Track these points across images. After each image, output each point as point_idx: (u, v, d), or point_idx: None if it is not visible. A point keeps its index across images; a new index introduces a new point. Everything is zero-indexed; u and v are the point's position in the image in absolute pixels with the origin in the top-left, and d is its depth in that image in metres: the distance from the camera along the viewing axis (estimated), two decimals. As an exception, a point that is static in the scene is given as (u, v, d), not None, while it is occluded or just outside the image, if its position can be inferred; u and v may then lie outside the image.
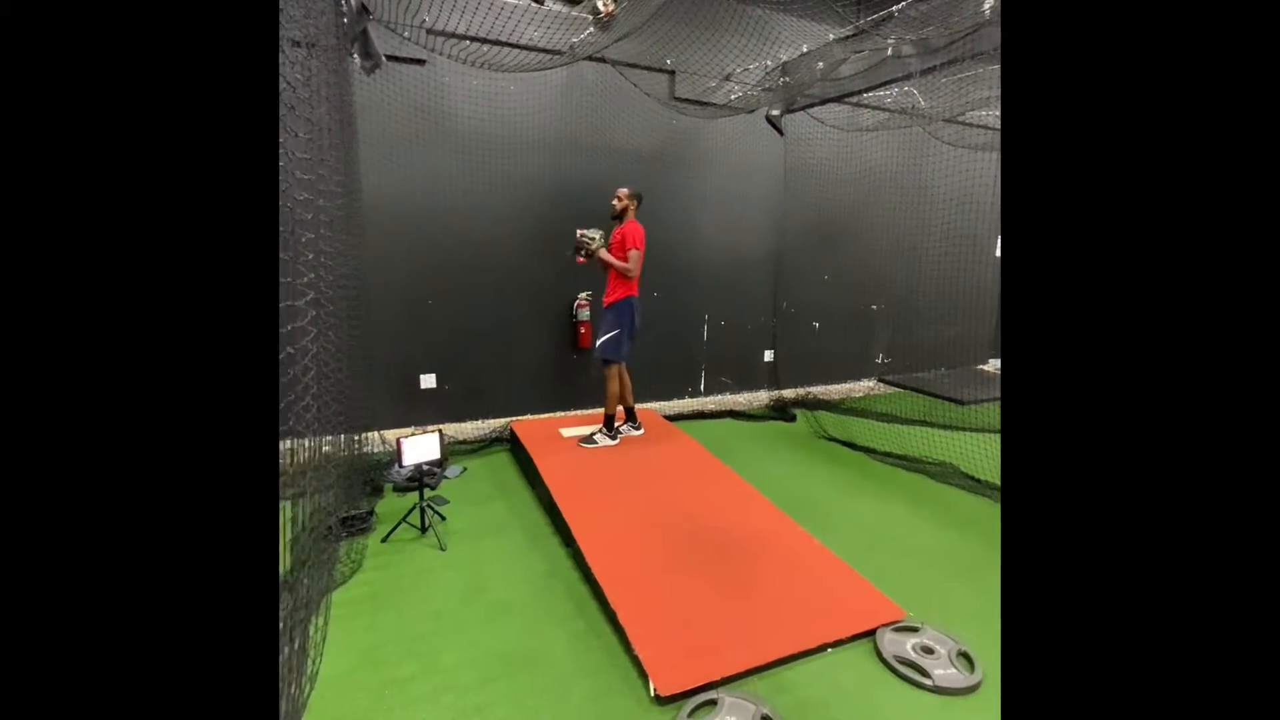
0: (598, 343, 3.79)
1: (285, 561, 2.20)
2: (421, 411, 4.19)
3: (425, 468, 2.89)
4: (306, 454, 2.30)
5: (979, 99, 4.38)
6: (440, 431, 2.92)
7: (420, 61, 3.82)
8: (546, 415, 4.58)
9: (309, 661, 1.96)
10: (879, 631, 2.16)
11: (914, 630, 2.18)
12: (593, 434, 3.88)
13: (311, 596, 2.26)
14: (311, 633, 2.03)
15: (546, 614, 2.32)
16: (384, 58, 3.24)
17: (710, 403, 5.23)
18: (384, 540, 2.82)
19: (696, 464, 3.60)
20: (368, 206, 3.74)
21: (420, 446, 2.81)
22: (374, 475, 3.43)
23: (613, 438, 3.86)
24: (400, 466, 2.80)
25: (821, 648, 2.10)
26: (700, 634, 2.09)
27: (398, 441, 2.75)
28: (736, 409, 5.26)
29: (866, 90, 3.93)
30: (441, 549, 2.77)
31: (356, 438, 3.36)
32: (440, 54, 3.52)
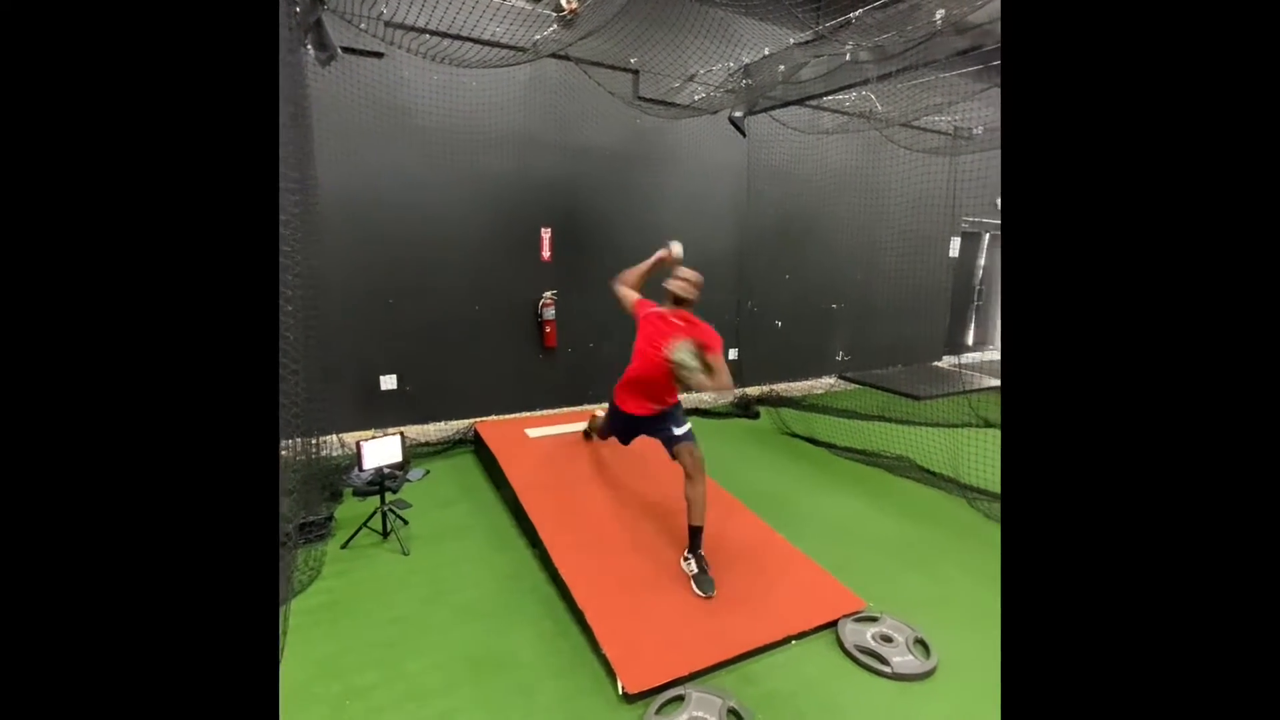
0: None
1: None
2: (382, 413, 4.10)
3: (386, 471, 2.83)
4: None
5: (932, 104, 4.53)
6: (402, 434, 2.87)
7: (378, 55, 3.73)
8: (512, 416, 4.54)
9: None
10: (841, 622, 2.22)
11: (874, 620, 2.25)
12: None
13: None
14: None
15: (513, 616, 2.30)
16: (339, 50, 3.14)
17: (676, 401, 5.27)
18: (344, 546, 2.75)
19: (661, 462, 3.63)
20: (325, 203, 3.63)
21: (381, 450, 2.75)
22: (333, 480, 3.34)
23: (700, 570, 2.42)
24: (360, 470, 2.74)
25: (786, 640, 2.15)
26: (668, 630, 2.11)
27: (357, 445, 2.68)
28: (702, 407, 5.31)
29: (826, 94, 4.02)
30: (404, 553, 2.72)
31: (314, 441, 3.26)
32: (399, 47, 3.44)
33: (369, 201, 3.87)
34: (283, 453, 2.74)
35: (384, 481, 2.90)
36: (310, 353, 3.26)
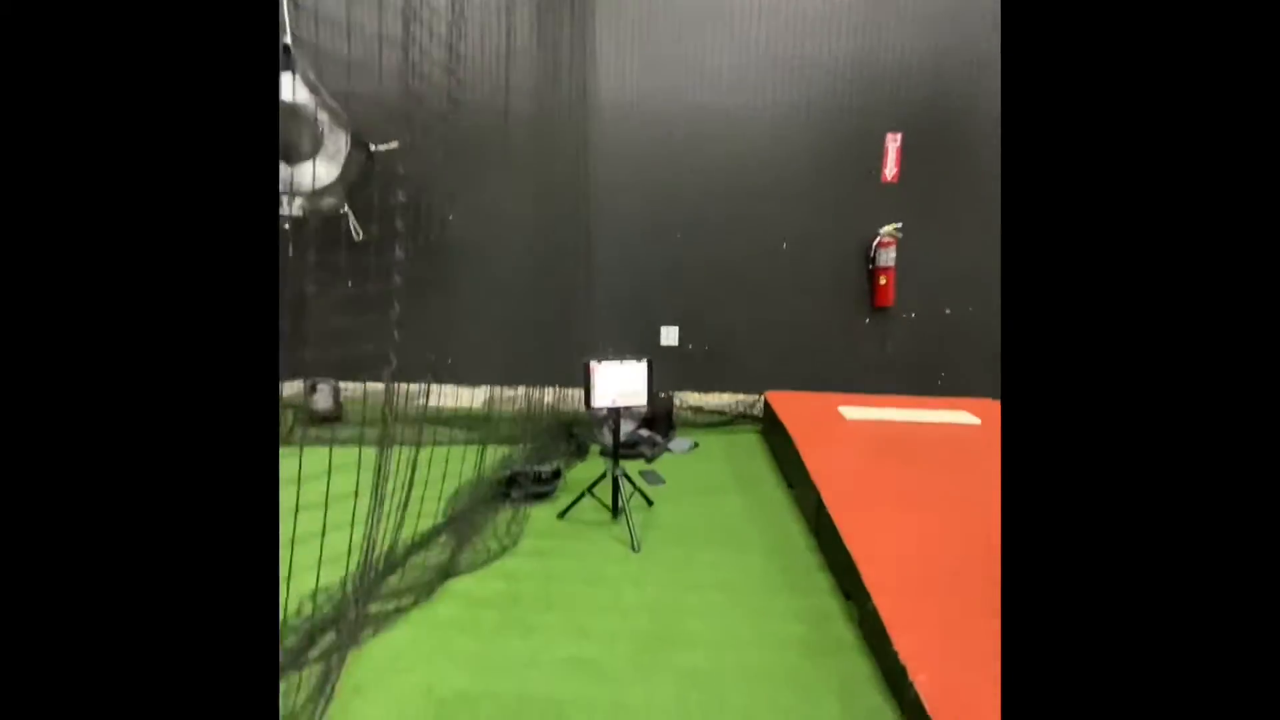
0: None
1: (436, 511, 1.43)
2: (656, 372, 3.28)
3: (644, 435, 1.90)
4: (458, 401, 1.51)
5: None
6: (651, 361, 1.93)
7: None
8: (819, 393, 3.26)
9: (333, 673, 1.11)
10: None
11: None
12: None
13: (424, 578, 1.44)
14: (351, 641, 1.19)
15: (795, 735, 1.07)
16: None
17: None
18: (561, 516, 1.92)
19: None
20: (603, 104, 3.01)
21: (619, 379, 1.84)
22: (580, 433, 2.60)
23: None
24: (589, 408, 1.87)
25: None
26: None
27: (586, 367, 1.81)
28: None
29: None
30: (634, 549, 1.74)
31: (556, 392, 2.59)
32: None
33: (654, 106, 3.09)
34: (516, 404, 2.07)
35: (637, 445, 1.99)
36: (566, 288, 2.65)
